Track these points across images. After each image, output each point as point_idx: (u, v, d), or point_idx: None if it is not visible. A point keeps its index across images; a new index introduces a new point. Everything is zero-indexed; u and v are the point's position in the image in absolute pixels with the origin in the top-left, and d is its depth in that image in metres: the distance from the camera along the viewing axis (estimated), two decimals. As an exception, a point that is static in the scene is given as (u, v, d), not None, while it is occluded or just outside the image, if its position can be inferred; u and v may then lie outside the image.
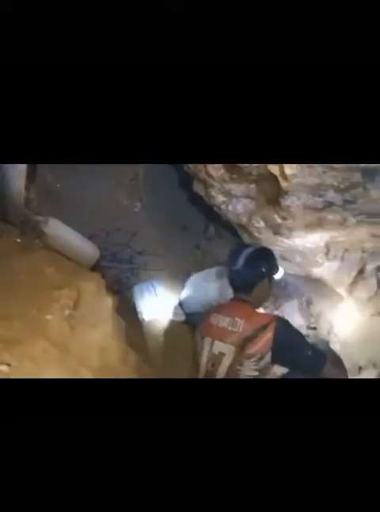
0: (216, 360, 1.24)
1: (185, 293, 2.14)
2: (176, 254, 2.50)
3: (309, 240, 1.80)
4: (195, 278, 2.16)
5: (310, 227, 1.69)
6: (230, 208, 1.95)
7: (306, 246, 1.87)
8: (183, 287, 2.18)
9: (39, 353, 1.01)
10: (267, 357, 1.18)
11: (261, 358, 1.18)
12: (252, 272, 1.31)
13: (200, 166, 1.84)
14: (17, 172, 1.51)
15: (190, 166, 1.93)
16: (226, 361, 1.21)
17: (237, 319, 1.24)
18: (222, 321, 1.27)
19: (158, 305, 2.09)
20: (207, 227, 2.58)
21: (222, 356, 1.23)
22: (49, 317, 1.16)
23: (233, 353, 1.22)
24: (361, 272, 1.88)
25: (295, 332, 1.25)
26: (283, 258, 2.08)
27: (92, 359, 1.15)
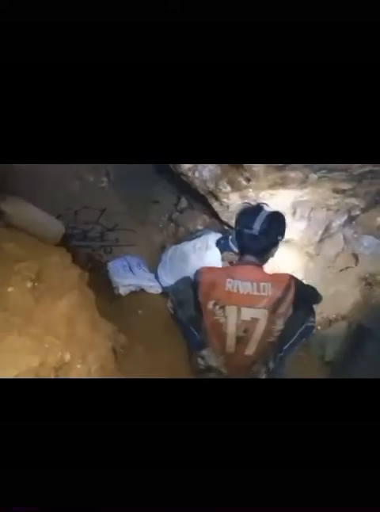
0: (249, 326, 1.29)
1: (162, 266, 2.14)
2: (149, 228, 2.49)
3: (275, 201, 1.82)
4: (172, 250, 2.16)
5: (274, 187, 1.71)
6: (197, 174, 1.94)
7: (273, 207, 1.89)
8: (159, 260, 2.18)
9: (1, 323, 1.00)
10: (291, 310, 1.30)
11: (287, 313, 1.29)
12: (269, 237, 1.33)
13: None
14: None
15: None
16: (261, 325, 1.27)
17: (261, 283, 1.26)
18: (243, 287, 1.29)
19: (133, 279, 2.09)
20: (178, 199, 2.56)
21: (255, 321, 1.29)
22: (10, 289, 1.14)
23: (267, 317, 1.28)
24: (327, 229, 1.93)
25: (307, 285, 1.38)
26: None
27: (58, 327, 1.15)
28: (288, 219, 2.07)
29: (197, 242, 2.08)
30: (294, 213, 1.92)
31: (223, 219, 2.16)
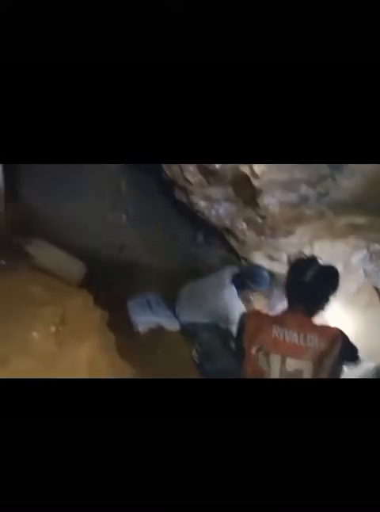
0: (291, 376, 1.26)
1: (180, 303, 2.14)
2: (167, 264, 2.52)
3: (293, 238, 1.83)
4: (189, 287, 2.17)
5: (291, 223, 1.72)
6: (213, 212, 1.99)
7: (291, 243, 1.89)
8: (178, 296, 2.19)
9: (25, 371, 1.02)
10: (335, 364, 1.27)
11: (331, 367, 1.26)
12: (319, 289, 1.33)
13: (178, 173, 1.87)
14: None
15: (168, 173, 1.96)
16: (306, 377, 1.25)
17: (309, 334, 1.27)
18: (289, 336, 1.28)
19: (152, 316, 2.09)
20: (195, 235, 2.61)
21: (300, 372, 1.26)
22: (34, 334, 1.17)
23: (311, 369, 1.26)
24: (347, 264, 1.90)
25: (351, 344, 1.35)
26: (271, 258, 2.10)
27: (80, 372, 1.16)
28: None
29: (213, 280, 2.07)
30: (311, 249, 1.91)
31: (240, 254, 2.18)
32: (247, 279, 1.97)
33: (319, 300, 1.33)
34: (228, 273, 2.03)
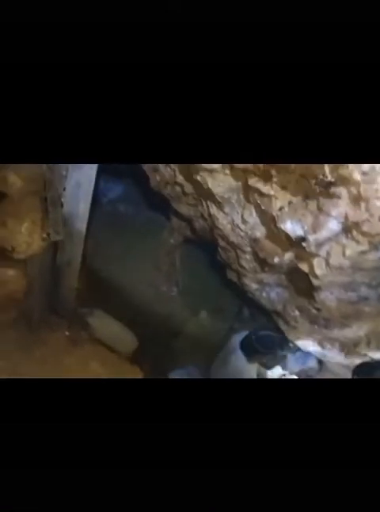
0: None
1: (211, 374, 2.10)
2: (211, 337, 2.52)
3: (349, 331, 1.77)
4: (216, 358, 2.12)
5: (348, 318, 1.68)
6: (264, 294, 2.00)
7: (346, 336, 1.82)
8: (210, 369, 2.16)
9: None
10: None
11: None
12: None
13: (233, 258, 1.95)
14: (72, 271, 1.70)
15: (222, 255, 2.05)
16: None
17: None
18: None
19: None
20: (240, 310, 2.61)
21: None
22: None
23: None
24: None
25: None
26: (323, 347, 2.03)
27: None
28: (363, 349, 1.97)
29: (226, 347, 2.01)
30: (368, 343, 1.82)
31: (289, 337, 2.12)
32: (256, 343, 1.89)
33: None
34: (236, 339, 1.98)
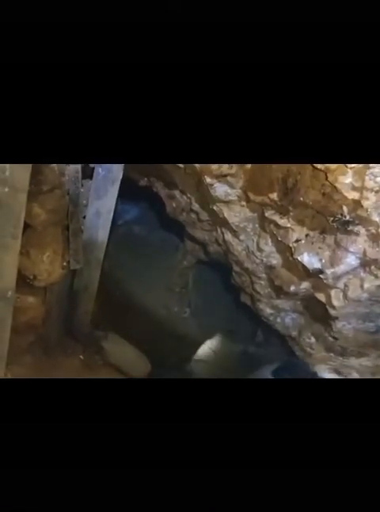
0: None
1: None
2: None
3: (366, 359, 1.73)
4: None
5: (365, 347, 1.65)
6: (279, 320, 1.98)
7: (363, 364, 1.79)
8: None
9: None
10: None
11: None
12: None
13: (247, 282, 1.95)
14: (89, 295, 1.72)
15: (237, 279, 2.05)
16: None
17: None
18: None
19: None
20: (255, 333, 2.58)
21: None
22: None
23: None
24: None
25: None
26: (339, 373, 1.99)
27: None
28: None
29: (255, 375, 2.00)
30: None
31: (305, 360, 2.09)
32: (287, 374, 1.86)
33: None
34: (268, 371, 1.94)
